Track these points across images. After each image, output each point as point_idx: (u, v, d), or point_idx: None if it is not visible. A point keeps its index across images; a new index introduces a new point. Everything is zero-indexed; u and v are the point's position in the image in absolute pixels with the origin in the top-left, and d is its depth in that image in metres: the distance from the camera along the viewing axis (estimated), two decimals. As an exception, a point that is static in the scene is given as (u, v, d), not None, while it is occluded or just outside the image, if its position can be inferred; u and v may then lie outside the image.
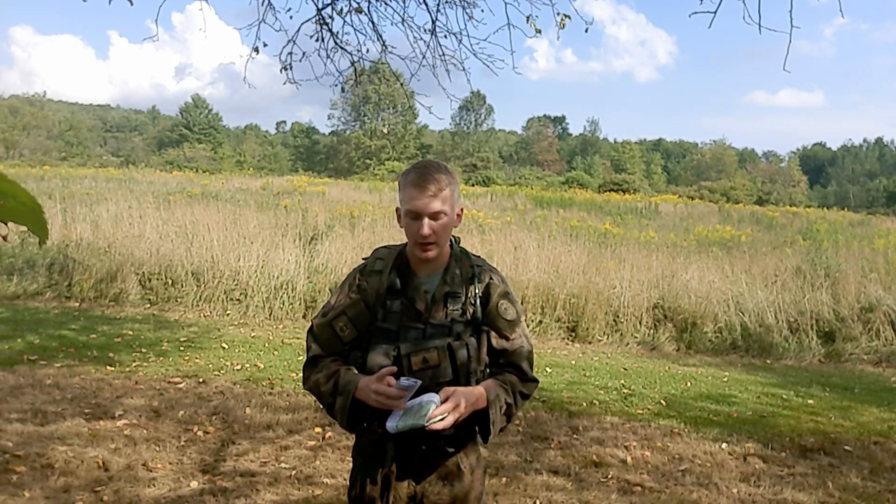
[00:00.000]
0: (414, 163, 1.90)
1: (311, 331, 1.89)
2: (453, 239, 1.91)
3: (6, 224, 0.65)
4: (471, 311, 1.82)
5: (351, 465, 1.91)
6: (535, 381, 1.89)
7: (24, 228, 0.65)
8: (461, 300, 1.82)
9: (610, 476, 3.78)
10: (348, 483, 1.92)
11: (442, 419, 1.67)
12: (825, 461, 4.16)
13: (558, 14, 4.35)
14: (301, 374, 1.92)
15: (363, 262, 1.91)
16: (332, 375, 1.79)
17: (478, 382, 1.80)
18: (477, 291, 1.83)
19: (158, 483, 3.40)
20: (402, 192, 1.81)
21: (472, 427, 1.81)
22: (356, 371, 1.80)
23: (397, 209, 1.87)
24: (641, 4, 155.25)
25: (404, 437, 1.73)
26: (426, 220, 1.75)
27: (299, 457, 3.83)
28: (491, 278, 1.86)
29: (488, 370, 1.86)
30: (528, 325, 7.90)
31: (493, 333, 1.84)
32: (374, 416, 1.75)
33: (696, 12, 3.33)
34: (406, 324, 1.79)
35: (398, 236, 10.54)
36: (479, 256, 1.92)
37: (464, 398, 1.70)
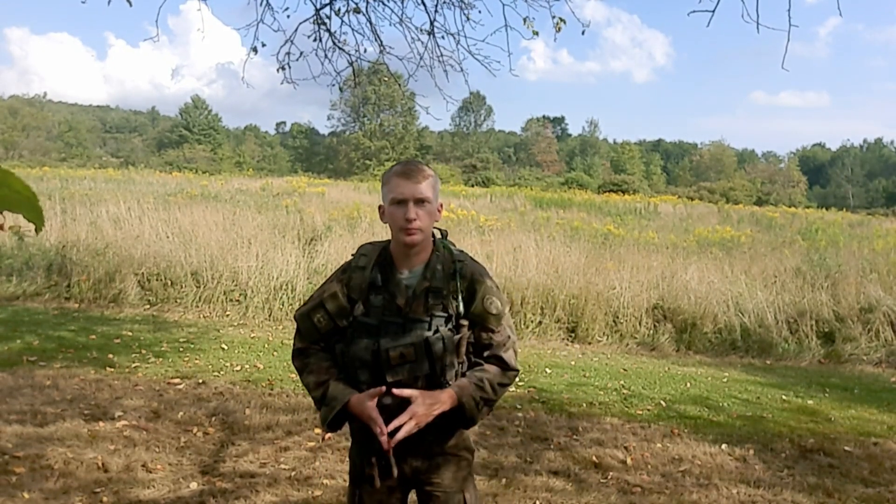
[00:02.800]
0: (397, 161, 2.00)
1: (294, 319, 2.00)
2: (439, 233, 1.97)
3: (2, 214, 0.65)
4: (453, 305, 1.88)
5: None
6: (516, 370, 1.97)
7: (22, 227, 0.65)
8: (442, 295, 1.88)
9: (610, 477, 3.78)
10: (350, 470, 2.03)
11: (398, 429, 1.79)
12: (825, 462, 4.16)
13: (554, 17, 4.37)
14: (293, 364, 2.03)
15: (350, 257, 1.98)
16: (321, 384, 1.91)
17: (457, 375, 1.89)
18: (459, 287, 1.89)
19: (157, 484, 3.40)
20: (386, 186, 1.89)
21: (452, 418, 1.89)
22: (342, 380, 1.90)
23: (380, 206, 1.94)
24: (634, 6, 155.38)
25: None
26: (411, 205, 1.83)
27: (299, 458, 3.83)
28: (473, 273, 1.92)
29: (470, 361, 1.94)
30: (519, 321, 7.90)
31: (478, 326, 1.91)
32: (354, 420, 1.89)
33: (694, 11, 3.33)
34: (386, 318, 1.86)
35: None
36: (462, 251, 1.97)
37: (421, 407, 1.80)
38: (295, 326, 2.01)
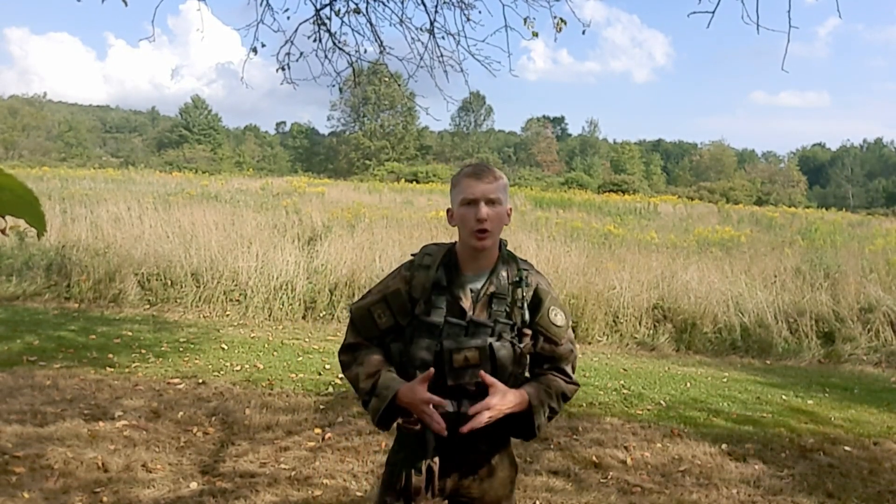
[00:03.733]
0: (466, 164, 1.92)
1: (350, 313, 1.93)
2: (501, 242, 1.92)
3: (4, 218, 0.65)
4: (518, 313, 1.83)
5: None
6: (577, 384, 1.92)
7: (22, 227, 0.65)
8: (506, 301, 1.83)
9: (610, 477, 3.78)
10: (386, 476, 1.93)
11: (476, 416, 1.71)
12: (825, 462, 4.16)
13: (555, 17, 4.37)
14: (339, 359, 1.94)
15: (412, 257, 1.92)
16: (372, 374, 1.82)
17: (517, 384, 1.82)
18: (525, 295, 1.83)
19: (157, 484, 3.40)
20: (456, 188, 1.84)
21: (508, 428, 1.84)
22: (395, 372, 1.83)
23: (448, 210, 1.89)
24: (633, 6, 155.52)
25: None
26: (482, 204, 1.77)
27: (298, 458, 3.83)
28: (539, 283, 1.87)
29: (529, 373, 1.88)
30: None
31: (541, 338, 1.85)
32: (407, 415, 1.80)
33: (694, 12, 3.33)
34: (449, 320, 1.80)
35: (397, 236, 10.52)
36: (525, 260, 1.93)
37: (502, 399, 1.74)
38: (349, 322, 1.94)
